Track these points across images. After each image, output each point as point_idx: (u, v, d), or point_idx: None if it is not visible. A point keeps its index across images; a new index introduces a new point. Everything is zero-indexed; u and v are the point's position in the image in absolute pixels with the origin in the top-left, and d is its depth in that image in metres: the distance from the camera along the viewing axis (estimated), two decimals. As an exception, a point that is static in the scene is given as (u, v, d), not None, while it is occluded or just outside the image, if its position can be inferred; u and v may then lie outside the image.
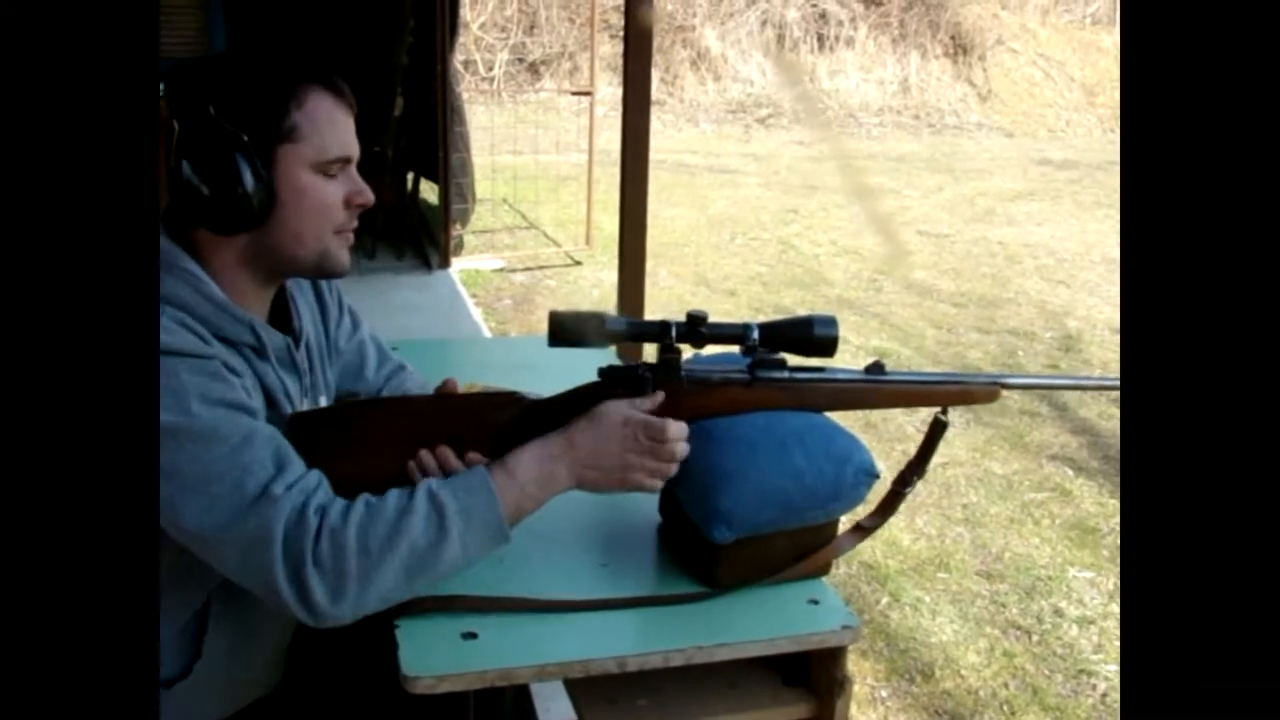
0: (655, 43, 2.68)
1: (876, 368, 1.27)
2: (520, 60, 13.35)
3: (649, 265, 2.88)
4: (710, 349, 1.27)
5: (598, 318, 1.22)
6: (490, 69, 12.98)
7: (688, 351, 1.26)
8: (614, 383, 1.25)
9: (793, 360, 1.26)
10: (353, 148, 1.24)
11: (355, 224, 1.26)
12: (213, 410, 1.08)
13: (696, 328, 1.22)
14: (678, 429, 1.20)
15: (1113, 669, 2.68)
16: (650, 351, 1.34)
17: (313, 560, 1.05)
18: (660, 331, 1.23)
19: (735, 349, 1.26)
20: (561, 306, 5.51)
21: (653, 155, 2.75)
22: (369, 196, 1.25)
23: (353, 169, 1.25)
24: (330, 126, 1.20)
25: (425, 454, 1.20)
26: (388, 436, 1.20)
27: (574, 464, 1.18)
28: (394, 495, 1.11)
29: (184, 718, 1.26)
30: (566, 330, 1.22)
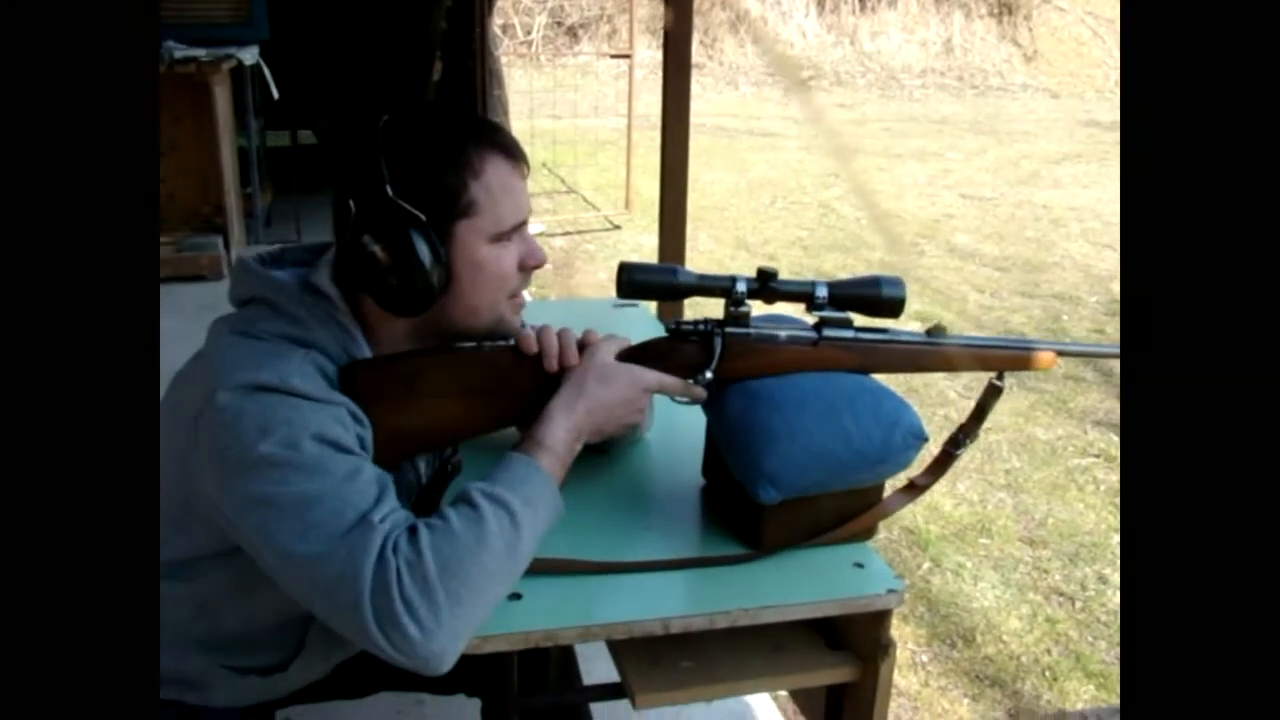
0: (694, 5, 2.65)
1: (938, 330, 1.27)
2: (558, 24, 13.27)
3: (689, 229, 2.86)
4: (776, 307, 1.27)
5: (668, 269, 1.23)
6: (528, 33, 12.92)
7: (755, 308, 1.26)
8: (683, 338, 1.25)
9: (857, 320, 1.27)
10: (526, 210, 1.21)
11: (529, 285, 1.24)
12: (322, 449, 1.04)
13: (767, 283, 1.22)
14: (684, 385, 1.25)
15: (1158, 636, 2.66)
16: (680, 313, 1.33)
17: (401, 599, 0.97)
18: (729, 286, 1.23)
19: (800, 307, 1.26)
20: (601, 271, 5.52)
21: (692, 119, 2.72)
22: (541, 257, 1.23)
23: (525, 230, 1.22)
24: (506, 195, 1.17)
25: (549, 339, 1.21)
26: (449, 387, 1.19)
27: (592, 429, 1.20)
28: (454, 511, 1.05)
29: (242, 698, 1.29)
30: (637, 282, 1.22)
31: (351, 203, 1.13)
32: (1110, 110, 12.60)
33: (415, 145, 1.14)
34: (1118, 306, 5.40)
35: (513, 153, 1.18)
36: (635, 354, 1.25)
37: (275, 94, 5.36)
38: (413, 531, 1.02)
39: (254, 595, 1.18)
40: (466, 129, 1.16)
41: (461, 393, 1.19)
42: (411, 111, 1.18)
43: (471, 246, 1.16)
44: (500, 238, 1.18)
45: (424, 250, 1.11)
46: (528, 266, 1.22)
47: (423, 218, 1.11)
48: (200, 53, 4.68)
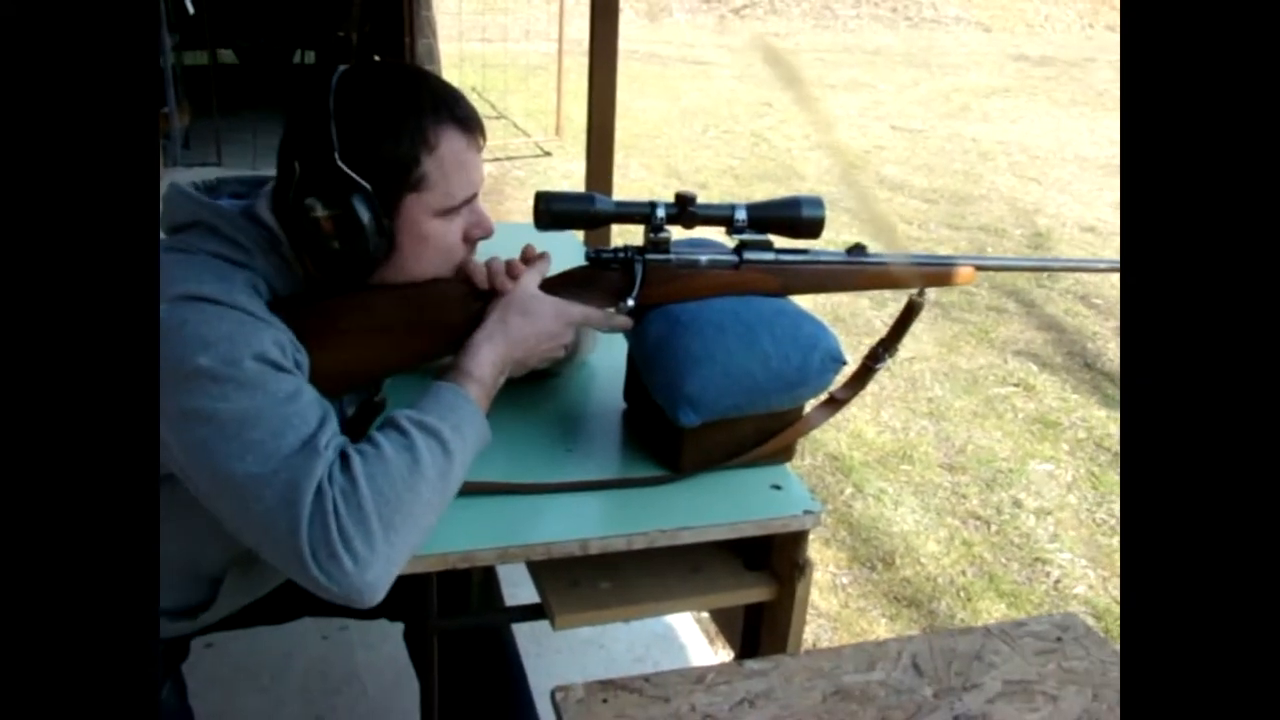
0: (626, -78, 2.59)
1: (858, 249, 1.28)
2: (489, -57, 12.92)
3: (620, 157, 2.83)
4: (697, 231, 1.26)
5: (587, 198, 1.21)
6: (458, -48, 12.57)
7: (675, 233, 1.25)
8: (603, 266, 1.24)
9: (778, 242, 1.26)
10: (479, 183, 1.17)
11: (475, 254, 1.21)
12: (263, 367, 1.01)
13: (686, 208, 1.21)
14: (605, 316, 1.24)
15: (1066, 557, 2.75)
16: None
17: (338, 529, 0.96)
18: (649, 213, 1.21)
19: (720, 231, 1.25)
20: (531, 198, 5.46)
21: (625, 45, 2.67)
22: (489, 227, 1.19)
23: (475, 201, 1.18)
24: (459, 170, 1.13)
25: (478, 261, 1.19)
26: (374, 323, 1.16)
27: (514, 361, 1.18)
28: (384, 438, 1.03)
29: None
30: (554, 211, 1.20)
31: (297, 164, 1.08)
32: (1039, 45, 12.69)
33: (368, 112, 1.09)
34: (1041, 239, 5.49)
35: (469, 125, 1.14)
36: (556, 283, 1.23)
37: (190, 9, 5.16)
38: (345, 459, 1.00)
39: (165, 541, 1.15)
40: (423, 98, 1.11)
41: (387, 329, 1.17)
42: (365, 72, 1.12)
43: (418, 221, 1.12)
44: (449, 212, 1.14)
45: (368, 222, 1.08)
46: (473, 237, 1.19)
47: (369, 188, 1.08)
48: (110, -37, 4.48)
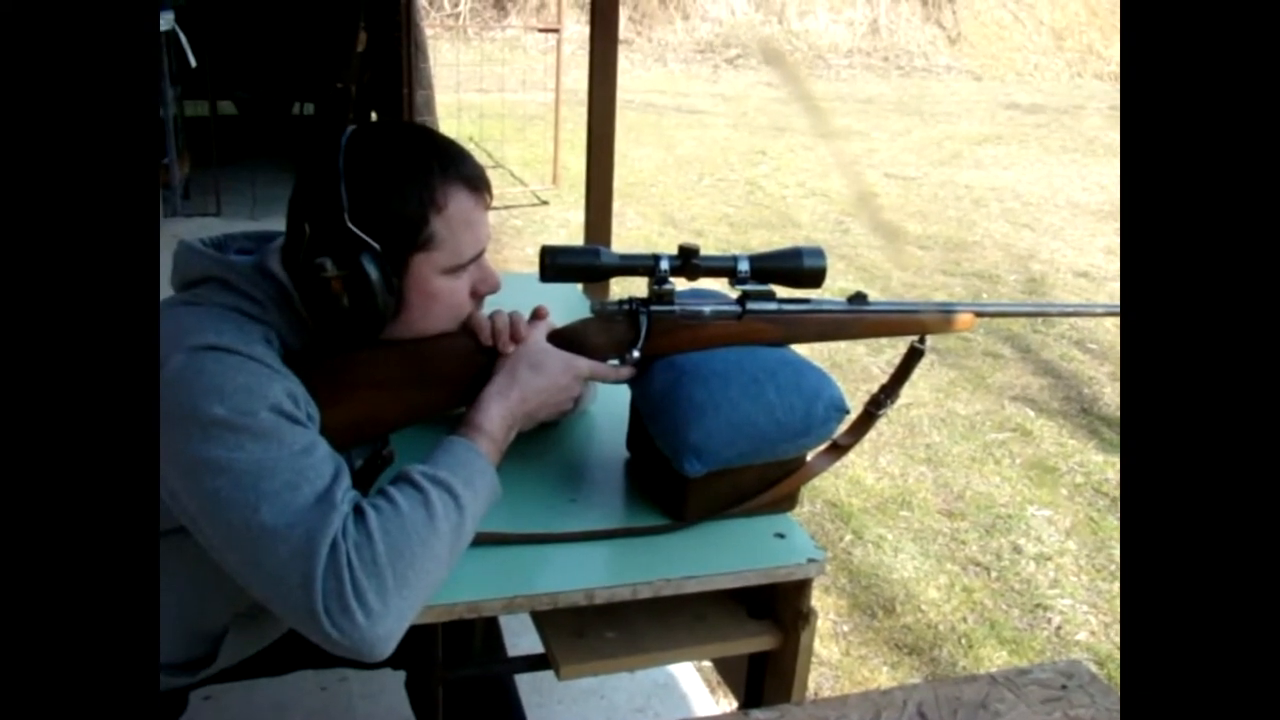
0: (624, -23, 2.63)
1: (859, 298, 1.29)
2: (486, -4, 13.11)
3: (616, 206, 2.85)
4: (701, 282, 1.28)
5: (592, 251, 1.22)
6: (456, 4, 12.74)
7: (678, 284, 1.27)
8: (609, 318, 1.25)
9: (780, 292, 1.28)
10: (486, 240, 1.19)
11: (481, 308, 1.23)
12: (278, 419, 1.02)
13: (689, 260, 1.23)
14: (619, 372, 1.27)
15: (1067, 603, 2.75)
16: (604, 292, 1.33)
17: (351, 583, 0.96)
18: (653, 265, 1.23)
19: (724, 282, 1.27)
20: (529, 247, 5.49)
21: (620, 95, 2.70)
22: (495, 283, 1.22)
23: (482, 258, 1.20)
24: (467, 229, 1.15)
25: (483, 316, 1.21)
26: (380, 378, 1.18)
27: (525, 415, 1.20)
28: (399, 492, 1.03)
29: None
30: (560, 265, 1.21)
31: (307, 224, 1.10)
32: (1030, 93, 12.85)
33: (378, 173, 1.11)
34: (1035, 285, 5.53)
35: (477, 184, 1.16)
36: (562, 336, 1.25)
37: (192, 61, 5.22)
38: (359, 513, 1.00)
39: (170, 595, 1.15)
40: (431, 159, 1.13)
41: (395, 383, 1.18)
42: (374, 132, 1.14)
43: (427, 279, 1.14)
44: (456, 270, 1.16)
45: (378, 281, 1.10)
46: (480, 293, 1.21)
47: (378, 248, 1.09)
48: (113, 18, 4.53)
